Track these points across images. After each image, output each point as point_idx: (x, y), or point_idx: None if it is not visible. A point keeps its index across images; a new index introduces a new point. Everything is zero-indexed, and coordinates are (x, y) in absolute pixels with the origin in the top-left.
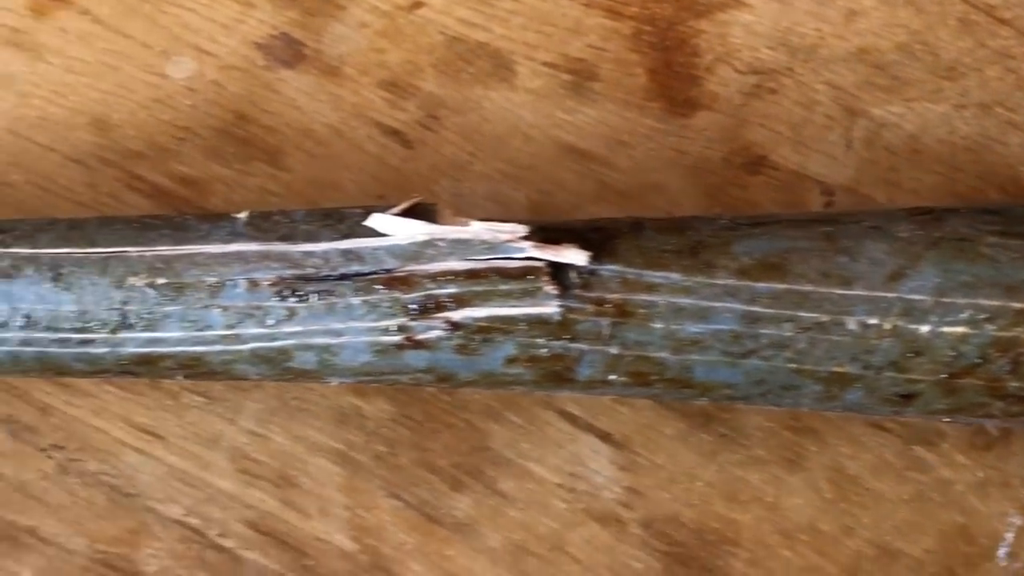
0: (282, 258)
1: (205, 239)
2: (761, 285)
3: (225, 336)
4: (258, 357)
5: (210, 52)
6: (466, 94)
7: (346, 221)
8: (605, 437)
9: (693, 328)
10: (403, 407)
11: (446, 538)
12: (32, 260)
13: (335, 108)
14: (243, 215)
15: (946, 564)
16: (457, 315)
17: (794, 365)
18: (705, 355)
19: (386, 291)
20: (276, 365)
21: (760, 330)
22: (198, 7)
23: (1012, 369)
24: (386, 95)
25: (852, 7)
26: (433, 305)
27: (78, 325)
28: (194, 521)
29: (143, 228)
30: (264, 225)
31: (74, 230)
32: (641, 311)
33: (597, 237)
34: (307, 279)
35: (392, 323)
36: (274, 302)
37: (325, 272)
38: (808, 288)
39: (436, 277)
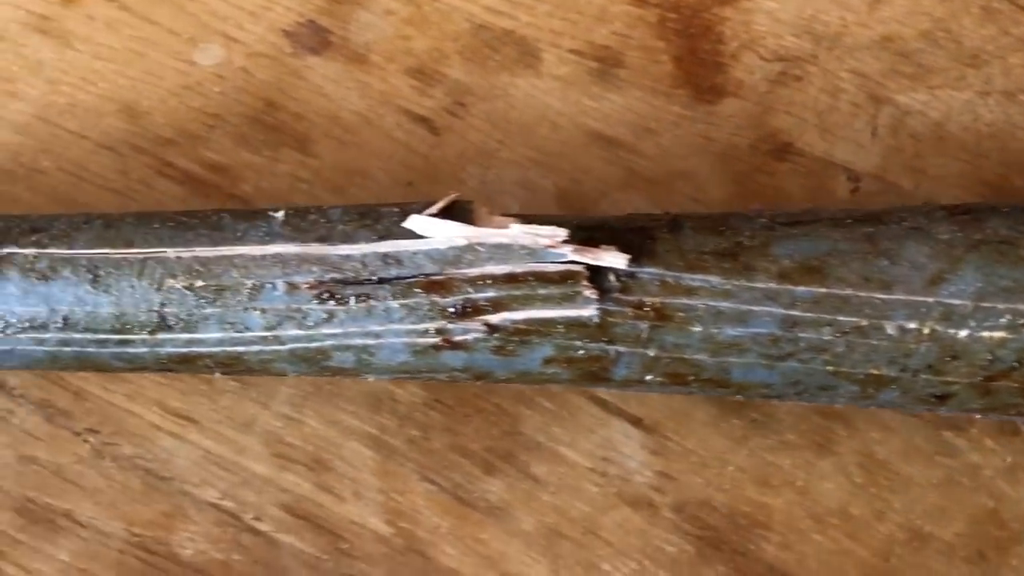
0: (320, 261)
1: (242, 240)
2: (801, 289)
3: (264, 337)
4: (296, 356)
5: (237, 39)
6: (492, 81)
7: (383, 221)
8: (636, 422)
9: (732, 331)
10: (435, 392)
11: (480, 521)
12: (69, 261)
13: (362, 95)
14: (279, 214)
15: (976, 548)
16: (495, 318)
17: (831, 367)
18: (743, 357)
19: (424, 295)
20: (314, 364)
21: (799, 333)
22: None
23: None
24: (413, 82)
25: None
26: (471, 308)
27: (117, 327)
28: (229, 505)
29: (179, 227)
30: (301, 225)
31: (110, 229)
32: (680, 315)
33: (636, 238)
34: (346, 282)
35: (430, 326)
36: (313, 305)
37: (364, 276)
38: (848, 292)
39: (475, 281)
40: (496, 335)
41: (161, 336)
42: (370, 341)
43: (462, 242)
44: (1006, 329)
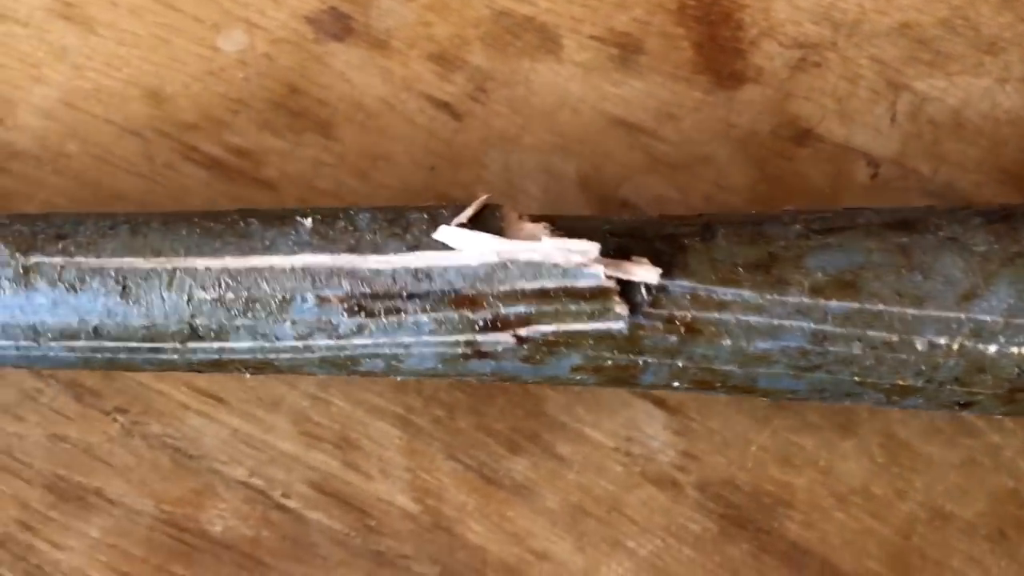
0: (351, 275)
1: (271, 249)
2: (833, 304)
3: (295, 347)
4: (326, 362)
5: (260, 26)
6: (513, 67)
7: (412, 229)
8: (660, 403)
9: (762, 345)
10: None
11: (505, 499)
12: (97, 272)
13: (385, 81)
14: (307, 221)
15: (997, 527)
16: (524, 330)
17: (858, 378)
18: (771, 368)
19: (454, 310)
20: (343, 368)
21: (828, 347)
22: None
23: None
24: (435, 68)
25: None
26: (501, 322)
27: (147, 336)
28: (258, 482)
29: (207, 234)
30: (330, 233)
31: (137, 236)
32: (711, 329)
33: (667, 247)
34: (375, 296)
35: (459, 338)
36: (343, 317)
37: (394, 291)
38: (880, 307)
39: (505, 297)
40: (525, 346)
41: (192, 345)
42: (399, 351)
43: (493, 258)
44: None
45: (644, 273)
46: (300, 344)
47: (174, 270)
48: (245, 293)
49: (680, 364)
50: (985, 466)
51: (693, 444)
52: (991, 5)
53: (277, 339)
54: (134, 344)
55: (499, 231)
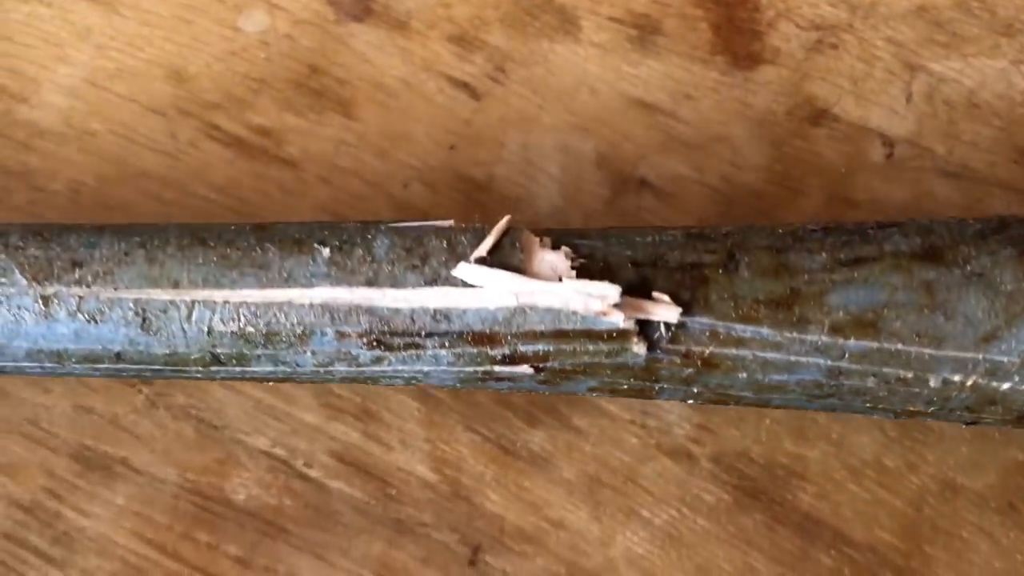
0: (369, 312)
1: (288, 281)
2: (852, 343)
3: (316, 371)
4: (347, 379)
5: (281, 7)
6: (532, 48)
7: (430, 261)
8: None
9: (777, 377)
10: None
11: (523, 470)
12: (116, 303)
13: (405, 61)
14: (325, 251)
15: (1007, 499)
16: (542, 363)
17: (869, 405)
18: (785, 396)
19: (473, 346)
20: (364, 383)
21: (843, 381)
22: None
23: None
24: (454, 49)
25: None
26: (519, 357)
27: (170, 362)
28: (280, 452)
29: (224, 263)
30: (347, 264)
31: (153, 265)
32: (727, 363)
33: (689, 280)
34: (395, 333)
35: (478, 369)
36: (363, 351)
37: (413, 330)
38: (898, 347)
39: (524, 336)
40: (542, 374)
41: (214, 368)
42: (419, 375)
43: (512, 301)
44: None
45: (664, 312)
46: (321, 370)
47: (192, 303)
48: (264, 328)
49: (695, 390)
50: (995, 440)
51: (708, 418)
52: None
53: (298, 366)
54: (158, 367)
55: (518, 262)
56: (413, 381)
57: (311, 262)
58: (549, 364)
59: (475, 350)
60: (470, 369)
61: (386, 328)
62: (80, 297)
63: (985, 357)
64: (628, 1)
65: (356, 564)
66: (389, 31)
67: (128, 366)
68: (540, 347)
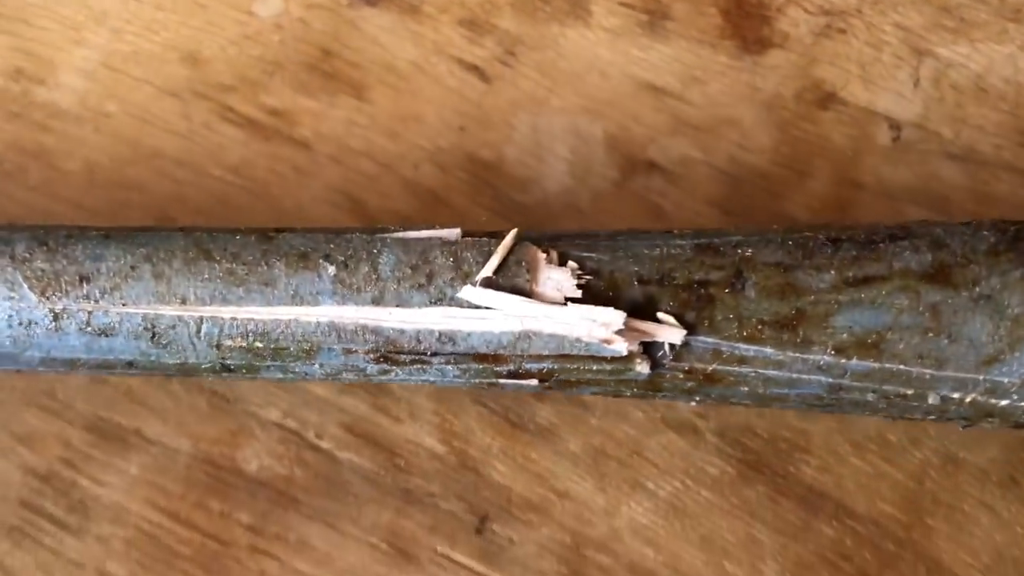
0: (375, 332)
1: (295, 299)
2: (854, 363)
3: (324, 378)
4: (356, 382)
5: None
6: (543, 32)
7: (435, 280)
8: None
9: (777, 391)
10: None
11: (529, 442)
12: (126, 318)
13: (416, 45)
14: (330, 268)
15: (1008, 473)
16: (547, 378)
17: (868, 413)
18: (784, 405)
19: (479, 363)
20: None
21: (843, 396)
22: None
23: None
24: (465, 32)
25: None
26: (524, 373)
27: (181, 370)
28: (292, 423)
29: (230, 280)
30: (352, 282)
31: (160, 281)
32: (729, 378)
33: (695, 299)
34: (401, 351)
35: (484, 380)
36: (370, 364)
37: (419, 350)
38: (900, 367)
39: (529, 357)
40: (547, 383)
41: (226, 375)
42: (426, 383)
43: (516, 326)
44: None
45: (669, 334)
46: (329, 377)
47: (201, 319)
48: (272, 344)
49: (697, 398)
50: None
51: None
52: None
53: (307, 375)
54: (170, 373)
55: (524, 282)
56: (421, 384)
57: (317, 279)
58: (554, 378)
59: (481, 366)
60: (476, 381)
61: (392, 347)
62: (89, 312)
63: (986, 378)
64: None
65: (365, 532)
66: (401, 15)
67: (141, 372)
68: (545, 365)
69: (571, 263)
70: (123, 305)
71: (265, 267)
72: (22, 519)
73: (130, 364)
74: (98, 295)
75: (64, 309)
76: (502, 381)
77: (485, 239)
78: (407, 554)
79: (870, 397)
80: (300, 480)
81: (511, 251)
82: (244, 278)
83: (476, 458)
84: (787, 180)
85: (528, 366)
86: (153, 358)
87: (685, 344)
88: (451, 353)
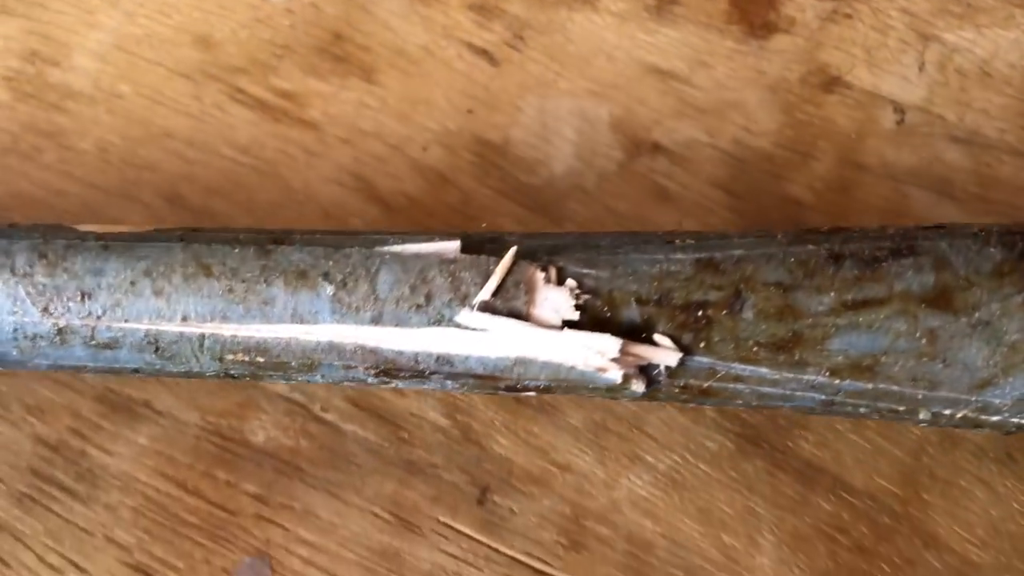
0: (374, 352)
1: (294, 317)
2: (847, 383)
3: (328, 383)
4: (357, 387)
5: None
6: (551, 16)
7: (433, 301)
8: None
9: (772, 403)
10: None
11: (532, 416)
12: (129, 333)
13: (426, 29)
14: (329, 289)
15: (1005, 450)
16: (544, 392)
17: (861, 419)
18: (778, 411)
19: (477, 380)
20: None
21: (836, 409)
22: None
23: None
24: (474, 17)
25: None
26: (522, 388)
27: (187, 376)
28: (298, 397)
29: (230, 298)
30: (350, 302)
31: (160, 297)
32: (725, 393)
33: (693, 320)
34: (400, 369)
35: (483, 391)
36: (370, 378)
37: (418, 369)
38: (893, 388)
39: (525, 377)
40: (543, 392)
41: (231, 380)
42: (424, 390)
43: (513, 353)
44: None
45: (665, 357)
46: (332, 384)
47: (203, 335)
48: (274, 359)
49: (691, 405)
50: None
51: None
52: None
53: (309, 381)
54: (177, 378)
55: (522, 304)
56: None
57: (315, 298)
58: (551, 391)
59: (479, 382)
60: (475, 392)
61: (391, 366)
62: (92, 328)
63: (978, 399)
64: None
65: (368, 502)
66: (410, 0)
67: (147, 376)
68: (542, 383)
69: (570, 281)
70: (125, 321)
71: (264, 285)
72: (32, 487)
73: (136, 371)
74: (100, 311)
75: (68, 325)
76: (501, 392)
77: (484, 257)
78: (409, 523)
79: (862, 411)
80: (305, 451)
81: (509, 271)
82: (243, 296)
83: (479, 431)
84: (791, 162)
85: (526, 383)
86: (158, 367)
87: (681, 363)
88: (449, 373)
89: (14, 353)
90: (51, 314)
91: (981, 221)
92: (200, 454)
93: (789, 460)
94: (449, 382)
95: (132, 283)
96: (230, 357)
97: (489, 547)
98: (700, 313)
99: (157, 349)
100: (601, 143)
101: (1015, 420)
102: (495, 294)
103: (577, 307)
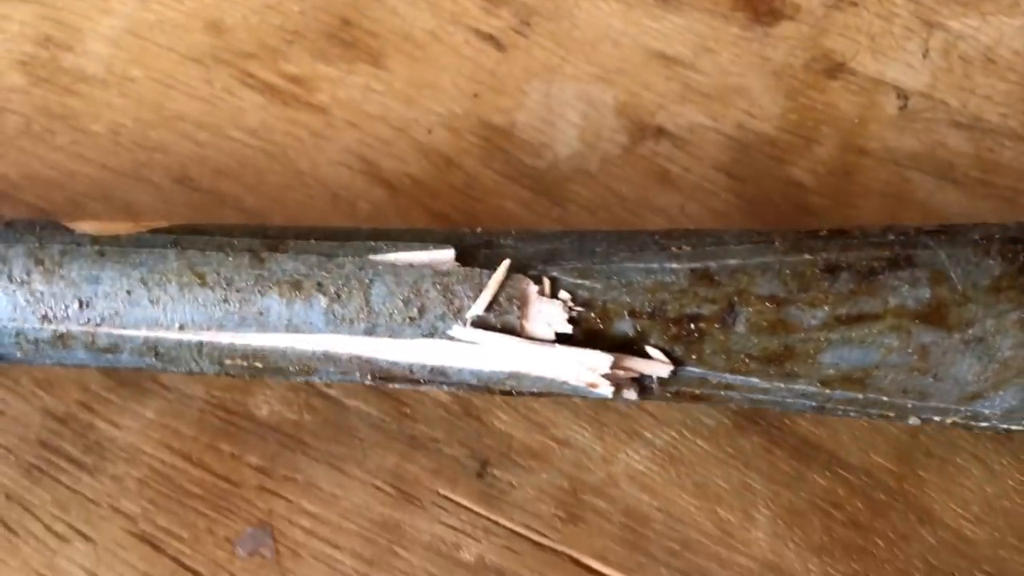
0: (370, 362)
1: (289, 327)
2: (838, 393)
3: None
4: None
5: None
6: (558, 3)
7: (427, 314)
8: None
9: (763, 407)
10: None
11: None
12: (129, 340)
13: (433, 15)
14: (323, 299)
15: None
16: (539, 397)
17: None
18: (772, 411)
19: (471, 389)
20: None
21: (827, 412)
22: None
23: None
24: (481, 3)
25: None
26: (516, 392)
27: (189, 375)
28: None
29: (225, 307)
30: (344, 314)
31: (156, 306)
32: (716, 399)
33: (685, 333)
34: (395, 377)
35: (474, 395)
36: (368, 380)
37: (412, 378)
38: (883, 399)
39: (519, 389)
40: (538, 397)
41: (232, 379)
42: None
43: (506, 367)
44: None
45: (657, 368)
46: (331, 380)
47: (201, 343)
48: (272, 365)
49: (684, 405)
50: None
51: None
52: None
53: (308, 380)
54: (180, 376)
55: (515, 318)
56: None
57: (309, 309)
58: (544, 397)
59: (474, 390)
60: (472, 394)
61: (386, 375)
62: (93, 334)
63: (967, 409)
64: None
65: (370, 475)
66: None
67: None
68: (534, 390)
69: (563, 294)
70: (124, 329)
71: (259, 295)
72: (40, 458)
73: (139, 370)
74: (99, 319)
75: (68, 332)
76: (495, 395)
77: (478, 271)
78: (410, 496)
79: (852, 415)
80: (308, 425)
81: (503, 285)
82: (239, 306)
83: (480, 407)
84: (794, 146)
85: (519, 389)
86: (160, 368)
87: (673, 374)
88: (443, 383)
89: (18, 355)
90: (51, 321)
91: (983, 205)
92: (205, 427)
93: (785, 437)
94: (444, 387)
95: (128, 292)
96: (229, 362)
97: (488, 519)
98: (693, 326)
99: (157, 354)
100: (606, 127)
101: (1004, 426)
102: (488, 308)
103: (570, 320)
